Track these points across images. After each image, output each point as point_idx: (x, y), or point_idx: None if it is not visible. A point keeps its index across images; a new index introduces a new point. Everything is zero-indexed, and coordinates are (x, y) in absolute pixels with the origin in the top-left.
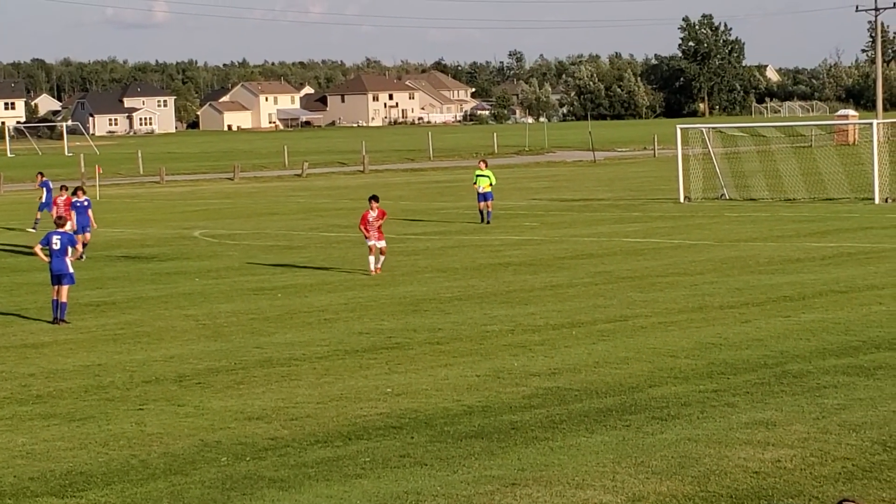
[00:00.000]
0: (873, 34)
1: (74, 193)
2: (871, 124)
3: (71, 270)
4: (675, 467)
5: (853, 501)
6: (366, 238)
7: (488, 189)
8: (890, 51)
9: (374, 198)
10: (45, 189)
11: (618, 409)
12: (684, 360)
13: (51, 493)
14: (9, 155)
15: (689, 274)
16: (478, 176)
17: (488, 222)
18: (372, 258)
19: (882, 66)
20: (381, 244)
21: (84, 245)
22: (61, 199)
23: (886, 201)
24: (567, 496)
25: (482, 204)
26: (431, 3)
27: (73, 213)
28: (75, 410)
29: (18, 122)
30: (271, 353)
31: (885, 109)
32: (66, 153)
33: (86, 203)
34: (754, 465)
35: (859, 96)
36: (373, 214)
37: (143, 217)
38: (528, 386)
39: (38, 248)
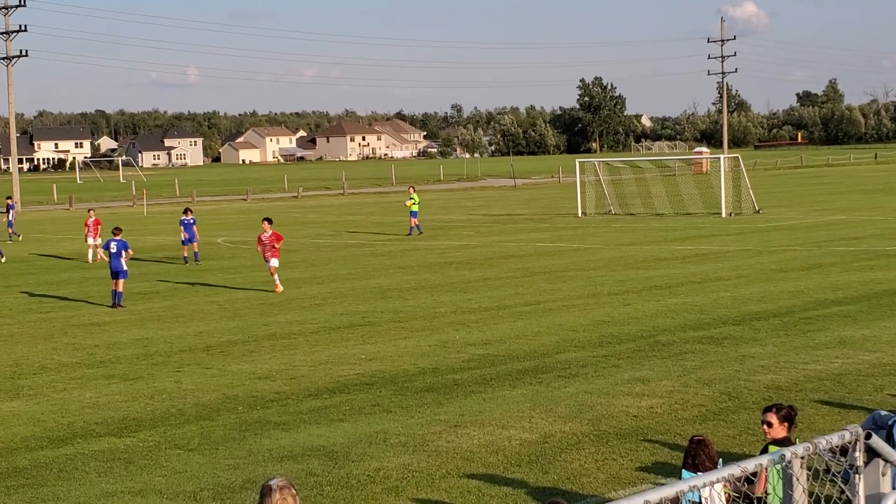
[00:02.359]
0: (721, 92)
1: (185, 213)
2: (719, 158)
3: (125, 268)
4: (576, 412)
5: (701, 437)
6: (264, 259)
7: (416, 209)
8: (733, 103)
9: (268, 220)
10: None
11: (533, 370)
12: (582, 333)
13: (111, 433)
14: (78, 181)
15: (585, 269)
16: (410, 198)
17: (420, 233)
18: (276, 277)
19: (727, 115)
20: (274, 263)
21: (195, 253)
22: (90, 221)
23: (730, 215)
24: (496, 434)
25: (413, 220)
26: (395, 69)
27: (183, 228)
28: (129, 372)
29: (86, 158)
30: (276, 329)
31: (729, 147)
32: (121, 180)
33: (191, 221)
34: (634, 411)
35: (710, 137)
36: (266, 234)
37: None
38: (467, 353)
39: (101, 251)
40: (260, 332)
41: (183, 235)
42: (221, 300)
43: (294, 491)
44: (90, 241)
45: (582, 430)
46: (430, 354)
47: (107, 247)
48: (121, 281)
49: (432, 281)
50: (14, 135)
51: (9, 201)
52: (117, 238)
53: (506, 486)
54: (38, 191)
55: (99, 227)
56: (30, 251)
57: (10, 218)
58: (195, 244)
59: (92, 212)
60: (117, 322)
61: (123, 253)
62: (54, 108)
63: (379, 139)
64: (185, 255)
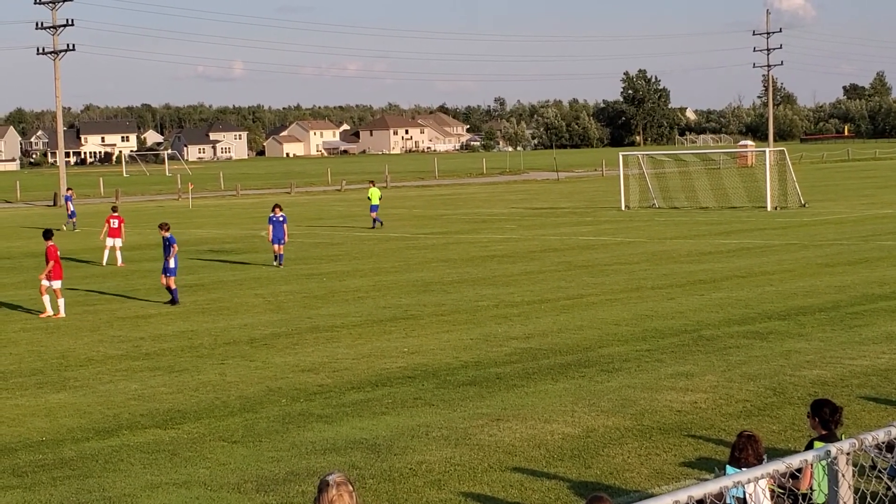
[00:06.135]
0: (766, 84)
1: (273, 210)
2: (764, 151)
3: (171, 265)
4: (618, 407)
5: (751, 433)
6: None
7: (376, 203)
8: (778, 96)
9: (47, 233)
10: (68, 202)
11: (575, 364)
12: (625, 327)
13: (156, 425)
14: (125, 175)
15: (629, 263)
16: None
17: (381, 225)
18: (46, 298)
19: (772, 108)
20: (51, 285)
21: (280, 255)
22: (115, 220)
23: (776, 209)
24: (538, 428)
25: (374, 213)
26: (437, 62)
27: (271, 227)
28: (174, 364)
29: (132, 151)
30: (319, 321)
31: (774, 140)
32: (167, 174)
33: (281, 219)
34: (677, 406)
35: (756, 130)
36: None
37: (224, 221)
38: (509, 346)
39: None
40: (303, 324)
41: (269, 234)
42: (265, 293)
43: (351, 487)
44: (111, 241)
45: (625, 424)
46: (473, 348)
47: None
48: (171, 278)
49: (474, 274)
50: (61, 128)
51: (68, 192)
52: (168, 235)
53: (548, 480)
54: (85, 184)
55: (122, 225)
56: (77, 244)
57: (72, 209)
58: (281, 245)
59: (116, 209)
60: (162, 314)
61: (170, 249)
62: (101, 101)
63: (422, 132)
64: (276, 254)
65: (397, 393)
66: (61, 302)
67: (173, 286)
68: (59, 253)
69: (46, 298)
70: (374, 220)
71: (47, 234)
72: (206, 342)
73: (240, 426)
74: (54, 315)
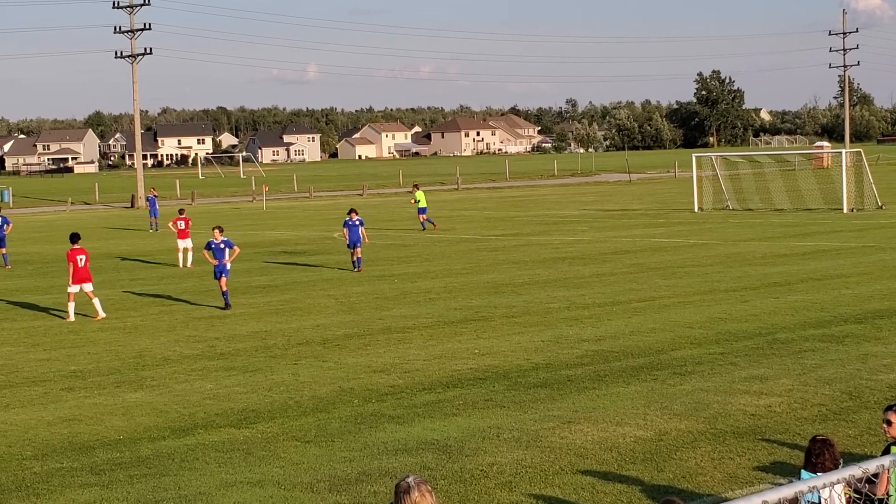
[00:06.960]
0: (842, 85)
1: (349, 214)
2: (840, 153)
3: (229, 267)
4: (691, 410)
5: (825, 437)
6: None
7: (424, 205)
8: (855, 97)
9: (73, 236)
10: (150, 203)
11: (647, 366)
12: (698, 330)
13: (230, 424)
14: (200, 177)
15: (702, 265)
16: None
17: (434, 226)
18: (72, 305)
19: (849, 109)
20: (81, 288)
21: (359, 258)
22: (181, 222)
23: (852, 211)
24: (609, 431)
25: (422, 216)
26: (509, 63)
27: (347, 231)
28: (248, 364)
29: (207, 154)
30: (390, 323)
31: (851, 141)
32: (242, 176)
33: (357, 223)
34: (751, 409)
35: (832, 132)
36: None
37: (297, 223)
38: (580, 349)
39: (205, 252)
40: (375, 325)
41: (345, 238)
42: (337, 294)
43: (429, 486)
44: (182, 243)
45: (698, 428)
46: (544, 350)
47: (209, 247)
48: (223, 279)
49: (545, 276)
50: (139, 131)
51: (153, 193)
52: (223, 238)
53: (620, 483)
54: (162, 186)
55: (188, 226)
56: (154, 245)
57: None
58: (359, 249)
59: (183, 211)
60: (237, 315)
61: (228, 251)
62: (177, 104)
63: (493, 134)
64: (353, 259)
65: (468, 394)
66: (96, 302)
67: (225, 288)
68: (80, 257)
69: (72, 305)
70: (426, 221)
71: (73, 238)
72: (279, 342)
73: (313, 426)
74: (95, 317)
